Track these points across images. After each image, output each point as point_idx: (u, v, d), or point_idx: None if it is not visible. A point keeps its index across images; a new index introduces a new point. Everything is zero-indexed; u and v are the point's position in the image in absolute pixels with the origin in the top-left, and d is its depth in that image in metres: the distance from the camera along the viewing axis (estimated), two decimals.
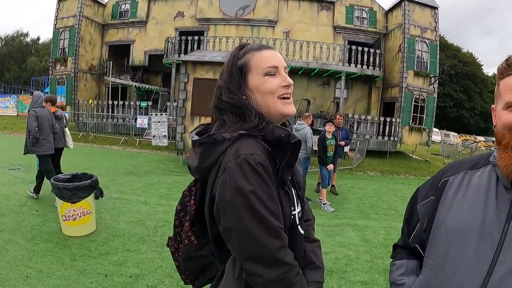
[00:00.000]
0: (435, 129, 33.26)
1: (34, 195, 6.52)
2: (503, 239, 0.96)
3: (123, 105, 18.98)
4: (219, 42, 17.58)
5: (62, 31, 22.26)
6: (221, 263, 1.22)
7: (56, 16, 22.65)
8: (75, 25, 21.58)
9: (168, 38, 19.15)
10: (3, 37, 69.47)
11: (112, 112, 19.20)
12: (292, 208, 1.19)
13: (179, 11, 21.76)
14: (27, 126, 6.31)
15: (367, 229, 6.19)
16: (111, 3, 23.39)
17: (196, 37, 18.38)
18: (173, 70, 17.86)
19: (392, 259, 1.39)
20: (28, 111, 6.50)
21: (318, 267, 1.35)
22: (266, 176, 1.06)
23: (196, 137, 1.22)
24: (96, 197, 5.11)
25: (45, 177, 6.51)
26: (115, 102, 19.17)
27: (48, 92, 25.61)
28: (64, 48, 22.19)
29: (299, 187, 1.32)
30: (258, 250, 1.03)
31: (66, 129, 7.31)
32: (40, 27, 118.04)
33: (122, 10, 22.97)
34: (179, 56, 17.61)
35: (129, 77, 22.72)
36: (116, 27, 23.27)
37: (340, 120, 9.20)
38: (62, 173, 6.84)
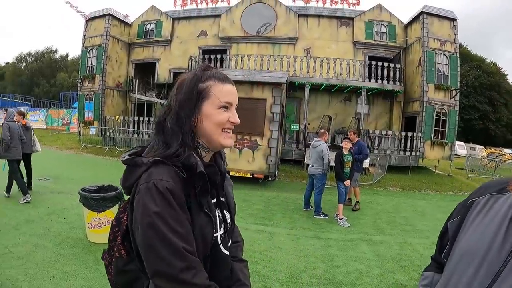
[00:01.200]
0: (460, 143, 32.72)
1: (6, 194, 7.72)
2: (501, 270, 0.95)
3: (149, 121, 19.32)
4: (241, 60, 18.01)
5: (90, 49, 23.11)
6: (146, 277, 1.23)
7: (85, 35, 23.55)
8: (102, 44, 22.40)
9: (191, 56, 19.54)
10: (33, 54, 72.03)
11: (138, 127, 19.62)
12: (214, 230, 1.26)
13: (202, 30, 22.43)
14: (1, 136, 7.75)
15: (381, 244, 6.30)
16: (136, 23, 24.22)
17: (219, 56, 18.81)
18: None
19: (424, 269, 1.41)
20: (3, 124, 7.86)
21: (244, 284, 1.42)
22: (173, 200, 1.11)
23: (126, 158, 1.26)
24: None
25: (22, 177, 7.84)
26: (141, 118, 19.62)
27: (76, 107, 26.63)
28: (92, 66, 22.99)
29: (229, 209, 1.42)
30: (161, 267, 1.09)
31: (34, 137, 8.75)
32: (69, 44, 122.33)
33: (147, 29, 23.78)
34: None
35: (154, 94, 23.36)
36: (141, 46, 24.06)
37: (352, 136, 9.34)
38: (30, 173, 8.60)
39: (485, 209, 1.09)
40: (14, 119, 8.04)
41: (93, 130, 22.17)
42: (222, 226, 1.32)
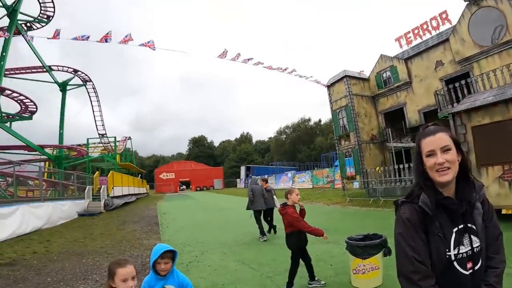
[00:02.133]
0: None
1: (263, 237, 10.44)
2: None
3: (409, 167, 19.21)
4: (488, 78, 15.50)
5: (339, 111, 25.37)
6: None
7: (330, 100, 26.16)
8: (348, 103, 24.24)
9: (436, 91, 18.83)
10: (290, 125, 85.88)
11: (399, 175, 19.67)
12: (447, 249, 1.64)
13: (436, 61, 20.78)
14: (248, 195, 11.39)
15: None
16: (373, 76, 25.16)
17: (463, 82, 17.04)
18: (451, 122, 14.70)
19: None
20: (249, 186, 11.70)
21: None
22: (410, 226, 1.65)
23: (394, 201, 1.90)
24: (385, 255, 5.69)
25: (261, 223, 10.90)
26: (401, 166, 19.69)
27: (337, 165, 28.95)
28: (344, 126, 25.02)
29: (477, 235, 1.71)
30: (400, 268, 1.66)
31: (275, 197, 11.79)
32: (319, 110, 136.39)
33: (384, 78, 24.29)
34: (452, 105, 16.88)
35: (409, 139, 22.76)
36: (385, 95, 24.48)
37: None
38: (273, 223, 11.51)
39: None
40: (258, 182, 11.76)
41: (356, 184, 23.58)
42: (458, 248, 1.66)
